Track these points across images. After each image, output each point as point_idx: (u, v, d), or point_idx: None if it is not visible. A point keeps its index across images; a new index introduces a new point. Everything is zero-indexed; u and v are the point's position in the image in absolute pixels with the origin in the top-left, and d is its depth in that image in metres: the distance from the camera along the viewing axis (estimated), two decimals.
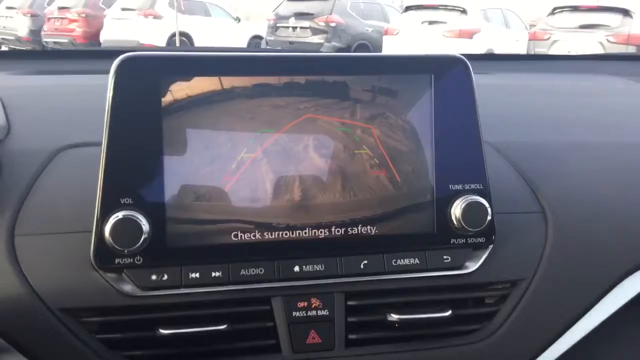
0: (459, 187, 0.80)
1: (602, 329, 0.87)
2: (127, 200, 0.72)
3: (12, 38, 13.28)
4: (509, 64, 1.68)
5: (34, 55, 1.45)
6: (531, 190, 0.90)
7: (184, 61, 0.74)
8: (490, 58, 1.72)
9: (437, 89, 0.79)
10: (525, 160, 0.94)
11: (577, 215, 0.88)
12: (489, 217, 0.79)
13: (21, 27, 13.26)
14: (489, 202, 0.79)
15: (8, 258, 0.73)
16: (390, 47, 10.43)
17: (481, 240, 0.80)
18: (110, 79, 0.72)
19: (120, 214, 0.71)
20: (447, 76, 0.79)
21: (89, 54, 1.43)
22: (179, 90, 0.73)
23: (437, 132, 0.79)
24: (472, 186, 0.80)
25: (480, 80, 0.81)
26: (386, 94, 0.78)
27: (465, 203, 0.78)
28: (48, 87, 1.11)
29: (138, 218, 0.71)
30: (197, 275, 0.74)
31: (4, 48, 13.44)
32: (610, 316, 0.87)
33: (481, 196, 0.79)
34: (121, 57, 0.72)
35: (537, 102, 1.17)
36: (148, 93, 0.72)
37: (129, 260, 0.72)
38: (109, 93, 0.71)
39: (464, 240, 0.80)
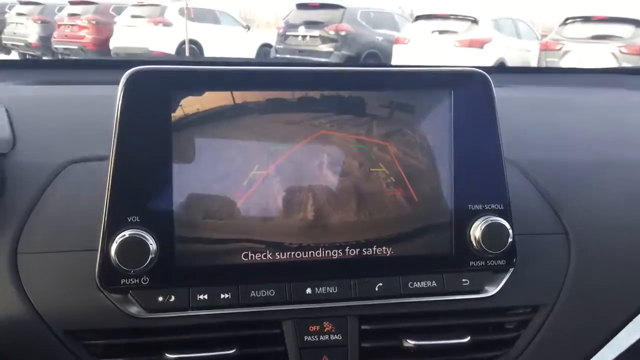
0: (479, 207, 0.77)
1: (630, 354, 0.84)
2: (134, 219, 0.69)
3: (22, 44, 13.35)
4: (524, 76, 1.65)
5: (42, 64, 1.43)
6: (553, 211, 0.86)
7: (196, 75, 0.71)
8: (504, 71, 1.69)
9: (456, 104, 0.76)
10: (546, 179, 0.90)
11: (601, 237, 0.85)
12: (510, 239, 0.76)
13: (31, 34, 13.33)
14: (510, 223, 0.76)
15: (10, 277, 0.71)
16: (401, 56, 10.41)
17: (502, 262, 0.77)
18: (119, 92, 0.69)
19: (126, 233, 0.68)
20: (468, 91, 0.76)
21: (97, 63, 1.41)
22: (190, 105, 0.70)
23: (457, 149, 0.76)
24: (493, 206, 0.77)
25: (496, 94, 0.78)
26: (404, 110, 0.75)
27: (485, 224, 0.75)
28: (55, 98, 1.09)
29: (145, 237, 0.68)
30: (206, 296, 0.71)
31: (14, 54, 13.54)
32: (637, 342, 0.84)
33: (502, 217, 0.76)
34: (131, 70, 0.69)
35: (556, 117, 1.14)
36: (158, 108, 0.69)
37: (135, 280, 0.69)
38: (118, 107, 0.69)
39: (484, 263, 0.77)
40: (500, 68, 1.04)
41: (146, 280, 0.70)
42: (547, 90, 1.43)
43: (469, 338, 0.76)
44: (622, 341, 0.83)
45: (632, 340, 0.84)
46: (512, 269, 0.78)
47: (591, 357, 0.81)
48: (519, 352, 0.79)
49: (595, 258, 0.83)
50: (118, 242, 0.68)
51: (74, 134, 0.91)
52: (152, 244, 0.68)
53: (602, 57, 8.89)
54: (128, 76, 0.69)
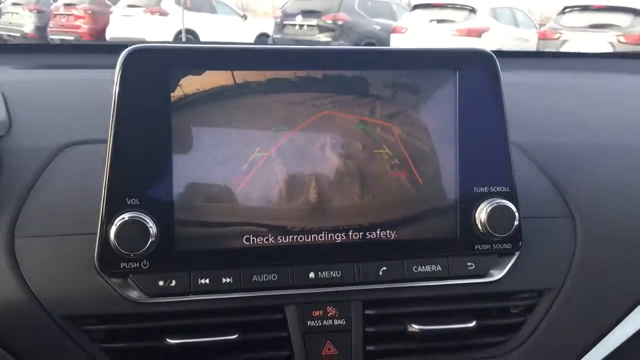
0: (484, 189, 0.75)
1: (635, 340, 0.83)
2: (133, 201, 0.68)
3: (18, 35, 13.26)
4: (524, 61, 1.63)
5: (39, 49, 1.41)
6: (559, 194, 0.85)
7: (195, 54, 0.70)
8: (504, 55, 1.66)
9: (462, 85, 0.74)
10: (552, 162, 0.89)
11: (608, 221, 0.83)
12: (516, 222, 0.74)
13: (27, 24, 13.23)
14: (516, 206, 0.75)
15: (7, 261, 0.69)
16: (398, 46, 10.36)
17: (507, 246, 0.76)
18: (117, 72, 0.67)
19: (126, 216, 0.67)
20: (473, 72, 0.75)
21: (95, 48, 1.39)
22: (189, 84, 0.69)
23: (462, 131, 0.74)
24: (498, 189, 0.75)
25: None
26: (408, 91, 0.74)
27: (491, 207, 0.74)
28: (52, 81, 1.07)
29: (145, 220, 0.67)
30: (207, 281, 0.70)
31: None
32: None
33: (508, 199, 0.75)
34: (128, 49, 0.68)
35: (561, 101, 1.13)
36: (156, 87, 0.68)
37: (135, 264, 0.68)
38: (116, 87, 0.67)
39: (489, 246, 0.76)
40: (500, 52, 1.02)
41: (146, 264, 0.68)
42: (548, 74, 1.41)
43: (474, 323, 0.75)
44: (631, 325, 0.82)
45: None
46: (518, 252, 0.77)
47: (599, 341, 0.80)
48: (526, 337, 0.78)
49: (602, 241, 0.82)
50: (117, 224, 0.66)
51: (72, 117, 0.90)
52: (152, 227, 0.67)
53: (600, 46, 8.86)
54: (126, 55, 0.67)
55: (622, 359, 0.84)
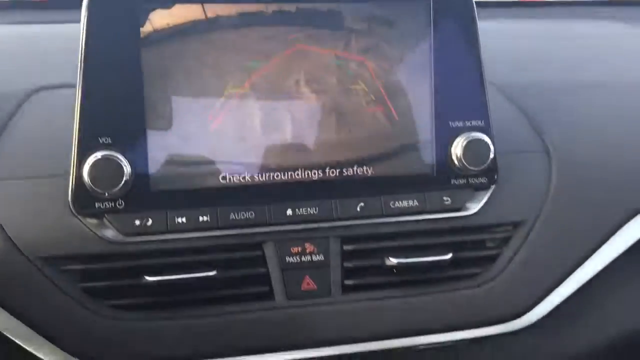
0: (460, 124, 0.75)
1: (607, 272, 0.84)
2: (105, 140, 0.67)
3: None
4: (506, 11, 1.62)
5: (9, 5, 1.38)
6: (534, 130, 0.85)
7: None
8: (483, 5, 1.65)
9: (436, 17, 0.74)
10: (528, 99, 0.89)
11: (582, 155, 0.84)
12: (491, 156, 0.75)
13: None
14: (492, 140, 0.75)
15: None
16: None
17: (483, 180, 0.76)
18: (84, 8, 0.66)
19: (99, 154, 0.66)
20: (447, 4, 0.74)
21: (65, 3, 1.36)
22: (159, 19, 0.67)
23: (437, 65, 0.74)
24: (474, 123, 0.75)
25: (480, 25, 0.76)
26: (382, 24, 0.73)
27: (467, 141, 0.74)
28: (21, 34, 1.05)
29: (118, 158, 0.66)
30: (184, 220, 0.70)
31: None
32: (616, 259, 0.84)
33: (483, 133, 0.75)
34: None
35: (538, 43, 1.12)
36: (125, 22, 0.66)
37: (110, 204, 0.67)
38: (83, 24, 0.66)
39: (465, 181, 0.76)
40: (479, 3, 1.01)
41: (121, 203, 0.68)
42: (526, 22, 1.41)
43: (450, 255, 0.76)
44: (603, 257, 0.83)
45: (613, 256, 0.84)
46: (494, 186, 0.78)
47: (572, 273, 0.81)
48: (500, 269, 0.79)
49: (576, 175, 0.82)
50: (90, 163, 0.65)
51: (42, 65, 0.88)
52: (126, 166, 0.66)
53: None
54: None
55: (595, 290, 0.86)
